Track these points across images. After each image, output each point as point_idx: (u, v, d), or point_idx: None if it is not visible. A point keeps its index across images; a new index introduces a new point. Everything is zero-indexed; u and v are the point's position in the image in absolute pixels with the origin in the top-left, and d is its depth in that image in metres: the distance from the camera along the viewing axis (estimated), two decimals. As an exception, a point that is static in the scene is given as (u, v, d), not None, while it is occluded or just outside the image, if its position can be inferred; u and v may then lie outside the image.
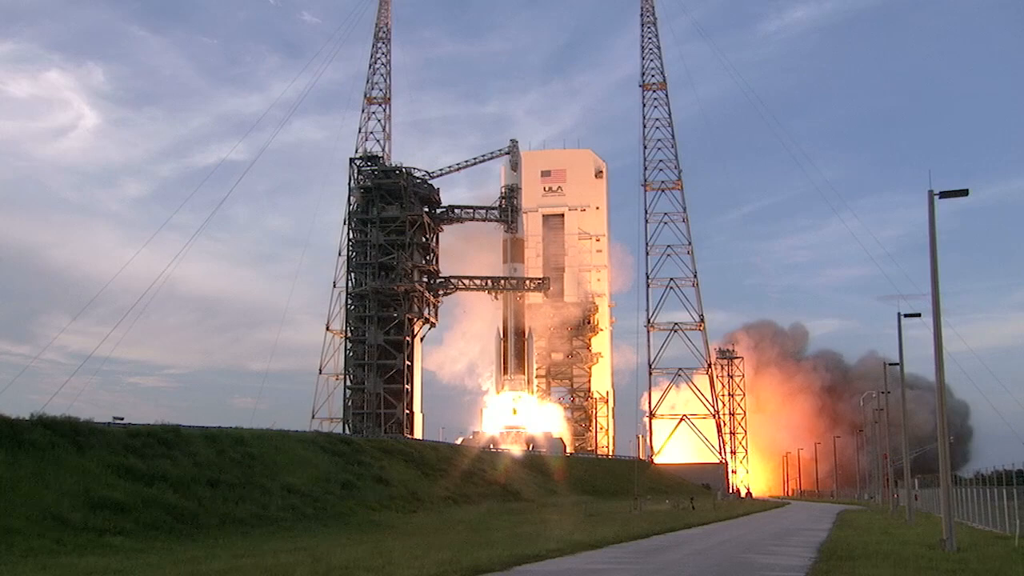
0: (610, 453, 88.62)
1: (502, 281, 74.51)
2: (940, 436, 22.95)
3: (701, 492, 73.06)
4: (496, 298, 76.49)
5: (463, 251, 79.80)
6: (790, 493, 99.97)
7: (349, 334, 71.75)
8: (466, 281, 75.08)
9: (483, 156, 76.43)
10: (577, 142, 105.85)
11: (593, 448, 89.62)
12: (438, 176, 75.45)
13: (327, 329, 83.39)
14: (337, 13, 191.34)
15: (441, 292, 74.81)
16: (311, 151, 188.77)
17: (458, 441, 74.54)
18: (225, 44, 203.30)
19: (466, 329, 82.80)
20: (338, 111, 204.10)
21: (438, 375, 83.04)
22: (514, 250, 76.75)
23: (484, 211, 75.86)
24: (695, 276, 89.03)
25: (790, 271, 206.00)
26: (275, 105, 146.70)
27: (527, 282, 75.64)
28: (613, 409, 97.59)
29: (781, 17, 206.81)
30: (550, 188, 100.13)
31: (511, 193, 75.47)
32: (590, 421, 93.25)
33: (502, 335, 75.73)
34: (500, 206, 75.18)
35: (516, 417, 73.19)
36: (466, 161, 76.23)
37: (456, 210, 75.95)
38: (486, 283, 74.86)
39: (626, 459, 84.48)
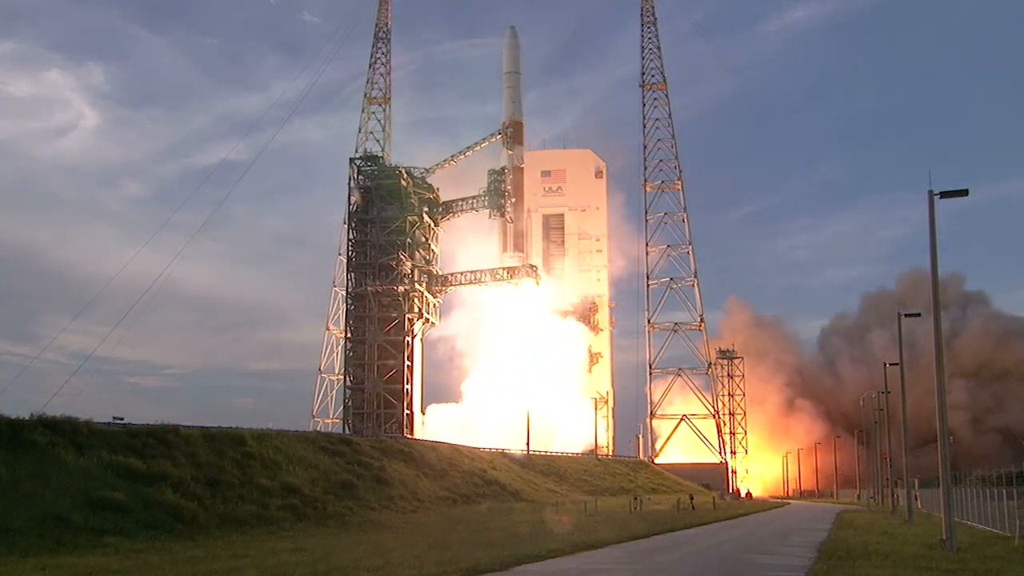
0: (610, 453, 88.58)
1: (492, 272, 73.89)
2: (940, 436, 22.95)
3: (701, 492, 73.03)
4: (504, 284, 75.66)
5: (464, 246, 79.48)
6: (790, 493, 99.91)
7: (349, 334, 71.75)
8: (459, 276, 74.82)
9: (478, 142, 75.87)
10: (577, 142, 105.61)
11: (594, 448, 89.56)
12: (437, 170, 75.21)
13: (327, 329, 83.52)
14: (337, 13, 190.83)
15: (439, 290, 74.64)
16: (311, 151, 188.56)
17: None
18: (225, 44, 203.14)
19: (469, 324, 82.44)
20: (338, 111, 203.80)
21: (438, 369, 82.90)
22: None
23: (474, 200, 75.02)
24: (695, 276, 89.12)
25: (790, 271, 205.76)
26: (275, 105, 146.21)
27: (518, 270, 74.44)
28: (613, 409, 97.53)
29: (781, 17, 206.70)
30: (550, 188, 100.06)
31: (500, 176, 74.40)
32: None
33: (500, 213, 74.31)
34: (489, 191, 74.06)
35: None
36: (460, 152, 75.52)
37: (454, 204, 75.69)
38: (476, 276, 74.46)
39: (626, 459, 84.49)
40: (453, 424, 73.21)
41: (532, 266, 75.81)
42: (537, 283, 75.21)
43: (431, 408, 76.47)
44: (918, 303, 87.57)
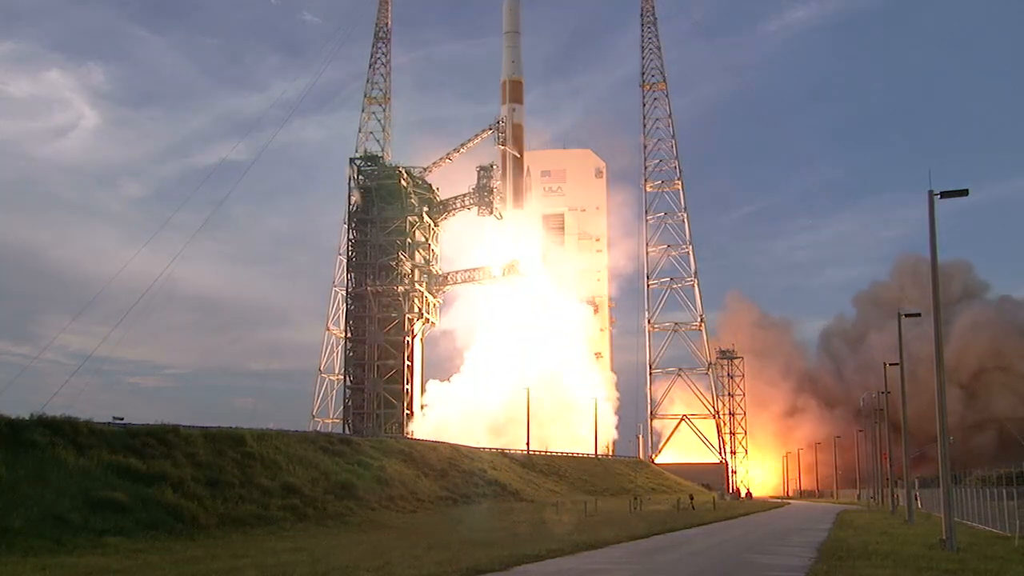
0: (610, 453, 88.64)
1: (486, 270, 73.94)
2: (939, 436, 22.95)
3: (701, 492, 73.04)
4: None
5: (463, 243, 79.33)
6: (790, 493, 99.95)
7: (349, 334, 71.77)
8: (457, 275, 74.75)
9: (471, 139, 75.82)
10: (577, 142, 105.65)
11: (594, 448, 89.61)
12: (433, 168, 75.25)
13: (327, 329, 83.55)
14: (337, 13, 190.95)
15: (438, 290, 74.61)
16: (311, 151, 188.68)
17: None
18: (225, 44, 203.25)
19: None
20: (338, 111, 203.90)
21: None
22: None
23: (465, 198, 74.88)
24: (695, 276, 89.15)
25: (790, 271, 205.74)
26: (275, 105, 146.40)
27: (511, 266, 74.19)
28: (616, 409, 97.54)
29: (781, 17, 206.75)
30: (550, 188, 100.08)
31: (488, 173, 74.22)
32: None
33: (489, 211, 74.21)
34: (479, 188, 73.86)
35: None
36: (454, 149, 75.56)
37: (449, 203, 75.70)
38: (470, 275, 74.37)
39: (626, 459, 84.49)
40: (453, 403, 72.65)
41: (524, 262, 75.36)
42: (542, 262, 74.98)
43: (431, 384, 76.13)
44: (916, 292, 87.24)
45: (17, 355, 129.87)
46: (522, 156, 78.54)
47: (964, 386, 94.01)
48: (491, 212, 73.62)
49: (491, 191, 73.24)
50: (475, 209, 74.07)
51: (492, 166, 74.43)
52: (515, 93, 77.87)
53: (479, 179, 73.66)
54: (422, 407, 72.43)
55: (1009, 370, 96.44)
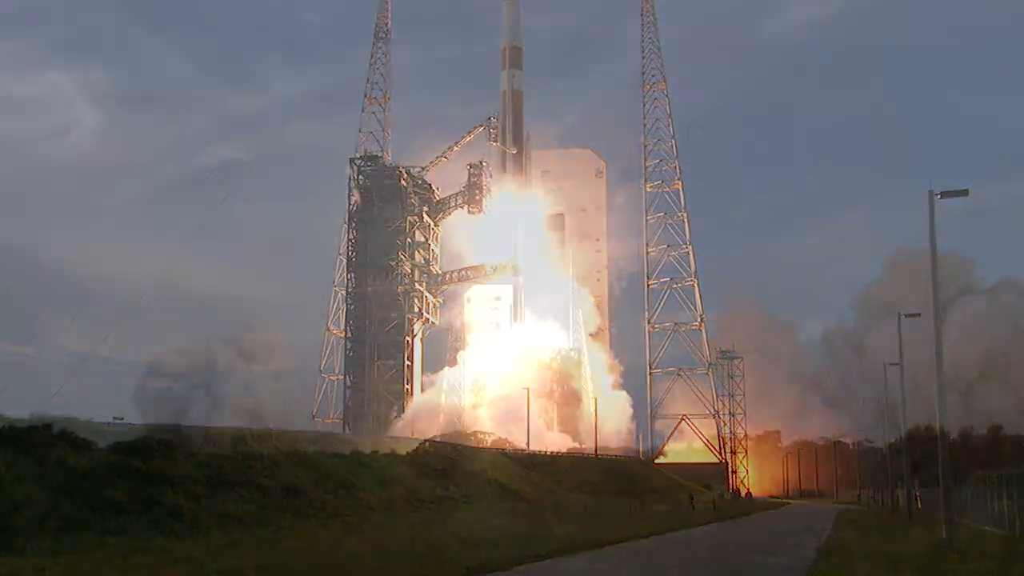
0: (623, 447, 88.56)
1: (478, 269, 73.90)
2: (940, 436, 22.96)
3: (702, 492, 73.01)
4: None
5: (463, 242, 79.36)
6: (790, 493, 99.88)
7: (349, 334, 71.78)
8: (453, 275, 74.73)
9: (464, 136, 75.84)
10: (577, 142, 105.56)
11: (594, 448, 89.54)
12: (431, 167, 75.30)
13: (327, 329, 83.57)
14: (337, 13, 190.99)
15: (438, 289, 74.67)
16: (311, 151, 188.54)
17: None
18: (225, 44, 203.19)
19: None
20: (338, 111, 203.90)
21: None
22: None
23: (458, 196, 74.83)
24: (695, 276, 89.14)
25: (791, 271, 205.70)
26: (275, 105, 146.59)
27: (498, 268, 74.27)
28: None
29: (782, 17, 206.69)
30: (550, 188, 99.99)
31: (476, 171, 73.98)
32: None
33: (478, 208, 74.33)
34: (469, 185, 73.70)
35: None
36: (449, 147, 75.45)
37: (444, 202, 75.76)
38: (465, 274, 74.36)
39: (627, 459, 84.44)
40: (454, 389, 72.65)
41: (522, 256, 75.34)
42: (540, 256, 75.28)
43: (426, 377, 76.03)
44: (914, 292, 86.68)
45: (17, 355, 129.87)
46: (522, 125, 78.66)
47: (962, 392, 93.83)
48: (481, 210, 73.71)
49: (481, 188, 73.37)
50: (467, 207, 74.30)
51: (482, 163, 74.62)
52: (515, 59, 78.07)
53: (470, 177, 73.79)
54: (422, 389, 72.33)
55: (1008, 371, 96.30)
